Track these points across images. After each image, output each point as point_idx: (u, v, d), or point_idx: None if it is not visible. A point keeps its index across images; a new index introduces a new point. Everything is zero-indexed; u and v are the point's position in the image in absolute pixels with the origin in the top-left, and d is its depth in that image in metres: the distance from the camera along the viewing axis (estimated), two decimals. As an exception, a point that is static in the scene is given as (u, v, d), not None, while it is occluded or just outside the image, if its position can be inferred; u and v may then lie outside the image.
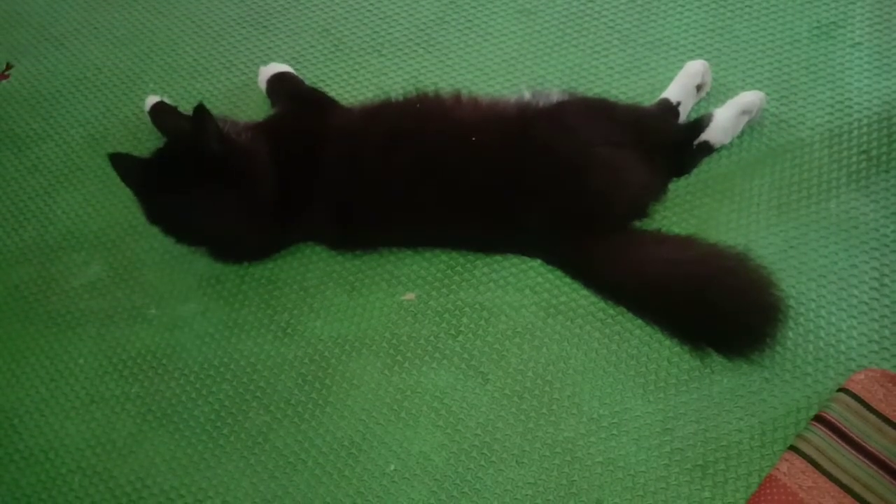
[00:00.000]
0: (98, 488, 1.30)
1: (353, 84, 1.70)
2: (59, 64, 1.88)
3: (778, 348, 1.23)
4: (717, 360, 1.23)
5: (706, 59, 1.52)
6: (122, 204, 1.61)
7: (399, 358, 1.34)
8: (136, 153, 1.60)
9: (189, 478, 1.28)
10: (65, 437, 1.36)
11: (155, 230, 1.50)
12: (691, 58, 1.54)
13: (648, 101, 1.52)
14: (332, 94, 1.66)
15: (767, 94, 1.49)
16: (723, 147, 1.44)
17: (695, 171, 1.44)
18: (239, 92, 1.74)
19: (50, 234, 1.61)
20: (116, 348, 1.44)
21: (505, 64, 1.67)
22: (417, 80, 1.66)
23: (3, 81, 1.87)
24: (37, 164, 1.72)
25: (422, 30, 1.77)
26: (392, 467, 1.23)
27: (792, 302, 1.27)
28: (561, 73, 1.62)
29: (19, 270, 1.57)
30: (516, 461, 1.22)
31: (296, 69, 1.71)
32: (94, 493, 1.29)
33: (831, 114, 1.48)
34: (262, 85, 1.68)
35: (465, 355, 1.32)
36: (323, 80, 1.71)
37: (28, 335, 1.49)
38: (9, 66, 1.90)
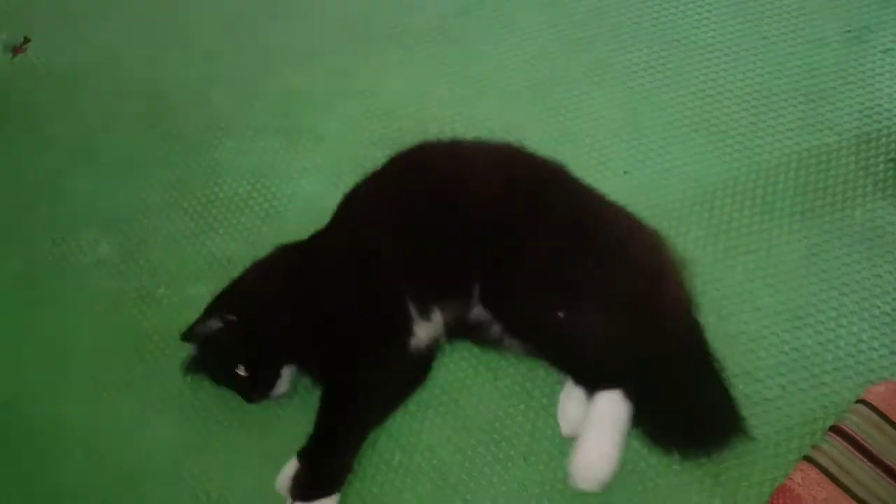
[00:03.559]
0: (99, 468, 1.29)
1: (372, 74, 1.68)
2: (76, 41, 1.87)
3: (796, 356, 1.21)
4: (732, 366, 1.20)
5: (731, 59, 1.48)
6: (134, 184, 1.60)
7: (408, 350, 1.32)
8: (150, 133, 1.60)
9: (191, 460, 1.27)
10: (68, 416, 1.35)
11: (164, 211, 1.50)
12: (714, 56, 1.51)
13: (671, 97, 1.50)
14: (348, 84, 1.64)
15: (794, 96, 1.46)
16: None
17: (716, 171, 1.41)
18: (252, 78, 1.72)
19: (61, 212, 1.60)
20: (123, 328, 1.43)
21: (528, 57, 1.64)
22: (438, 70, 1.64)
23: (20, 55, 1.86)
24: (51, 141, 1.71)
25: (443, 20, 1.75)
26: (397, 459, 1.21)
27: (812, 310, 1.25)
28: (584, 68, 1.60)
29: (30, 247, 1.56)
30: (524, 459, 1.20)
31: (311, 58, 1.69)
32: (95, 472, 1.29)
33: (860, 119, 1.44)
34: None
35: (476, 350, 1.29)
36: (339, 70, 1.69)
37: (35, 312, 1.48)
38: (26, 41, 1.89)
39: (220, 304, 1.28)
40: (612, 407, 1.12)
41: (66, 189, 1.63)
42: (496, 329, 1.24)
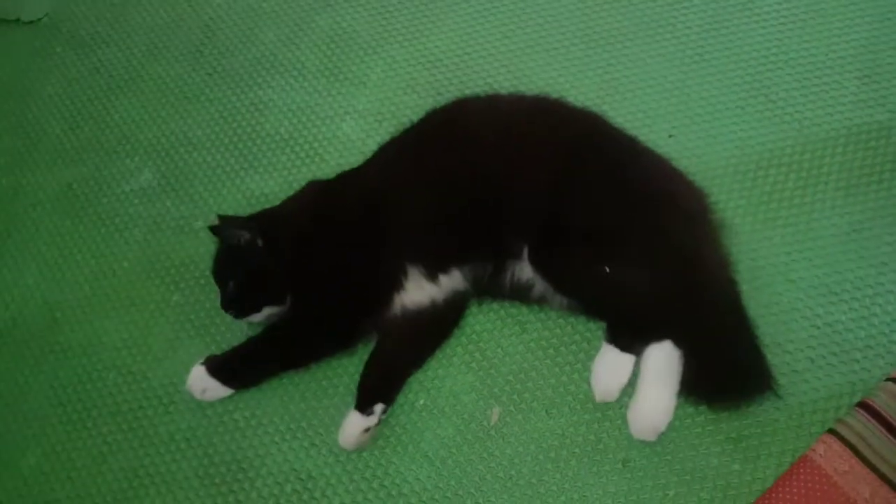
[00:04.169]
0: (131, 388, 1.33)
1: (420, 19, 1.67)
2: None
3: (828, 331, 1.20)
4: (762, 336, 1.19)
5: (790, 28, 1.44)
6: (178, 115, 1.62)
7: (439, 296, 1.33)
8: (196, 66, 1.60)
9: (221, 388, 1.30)
10: (104, 335, 1.39)
11: (205, 145, 1.51)
12: (774, 24, 1.48)
13: (725, 62, 1.47)
14: (395, 28, 1.63)
15: (850, 71, 1.43)
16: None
17: (763, 140, 1.39)
18: (301, 16, 1.71)
19: (105, 137, 1.62)
20: (160, 255, 1.45)
21: (582, 11, 1.61)
22: (489, 20, 1.61)
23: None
24: (98, 66, 1.73)
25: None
26: (422, 401, 1.24)
27: (848, 286, 1.24)
28: (639, 25, 1.56)
29: (73, 169, 1.59)
30: (546, 411, 1.21)
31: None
32: (126, 392, 1.33)
33: (916, 98, 1.41)
34: None
35: (506, 303, 1.30)
36: (388, 12, 1.68)
37: (77, 233, 1.51)
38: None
39: (253, 221, 1.30)
40: (665, 357, 1.14)
41: (111, 115, 1.65)
42: (539, 288, 1.23)
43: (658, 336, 1.15)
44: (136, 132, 1.61)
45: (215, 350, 1.32)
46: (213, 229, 1.28)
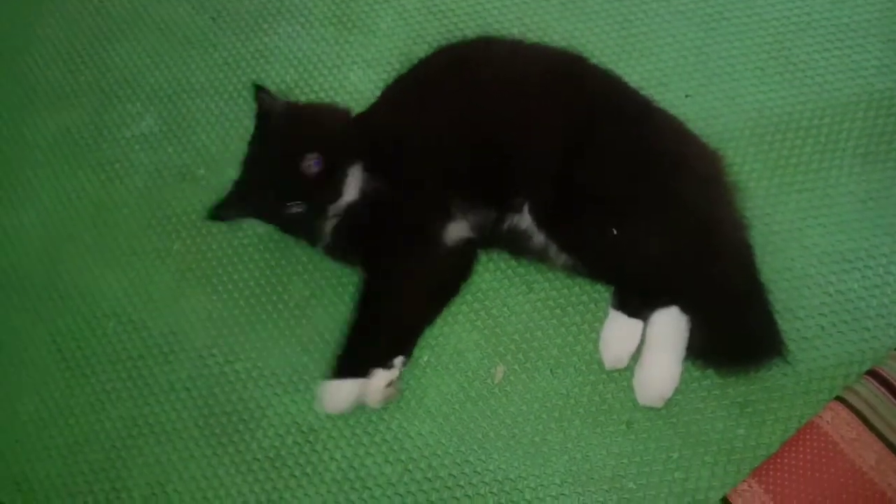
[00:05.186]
0: (131, 336, 1.31)
1: None
2: None
3: (840, 298, 1.19)
4: (773, 302, 1.17)
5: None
6: (182, 60, 1.57)
7: (445, 253, 1.31)
8: (201, 10, 1.55)
9: (222, 338, 1.28)
10: (103, 282, 1.37)
11: (209, 92, 1.46)
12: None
13: (748, 22, 1.43)
14: None
15: (875, 34, 1.39)
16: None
17: (782, 103, 1.35)
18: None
19: (106, 81, 1.58)
20: (162, 203, 1.42)
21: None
22: None
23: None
24: (98, 7, 1.67)
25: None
26: (426, 358, 1.22)
27: (862, 254, 1.22)
28: None
29: (72, 113, 1.55)
30: (550, 371, 1.20)
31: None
32: (126, 341, 1.31)
33: (938, 66, 1.37)
34: None
35: (512, 262, 1.28)
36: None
37: (76, 179, 1.48)
38: None
39: None
40: (671, 324, 1.11)
41: (112, 58, 1.60)
42: (537, 241, 1.21)
43: (665, 301, 1.12)
44: (137, 77, 1.57)
45: (216, 300, 1.30)
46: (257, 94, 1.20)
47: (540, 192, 1.17)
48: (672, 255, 1.12)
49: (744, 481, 1.06)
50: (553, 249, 1.20)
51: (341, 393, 1.16)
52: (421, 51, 1.45)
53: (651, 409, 1.14)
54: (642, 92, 1.26)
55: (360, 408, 1.19)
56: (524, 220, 1.19)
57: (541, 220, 1.18)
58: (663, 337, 1.12)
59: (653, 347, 1.13)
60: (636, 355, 1.15)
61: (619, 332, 1.16)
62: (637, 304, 1.15)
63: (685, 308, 1.11)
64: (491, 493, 1.13)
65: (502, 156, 1.18)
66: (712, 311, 1.12)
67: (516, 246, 1.24)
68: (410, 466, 1.16)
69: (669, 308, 1.12)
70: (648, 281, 1.14)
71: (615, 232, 1.13)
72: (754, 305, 1.13)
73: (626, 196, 1.14)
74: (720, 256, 1.13)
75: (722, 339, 1.12)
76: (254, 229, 1.36)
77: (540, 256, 1.23)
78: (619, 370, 1.17)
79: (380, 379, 1.17)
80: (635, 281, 1.16)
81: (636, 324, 1.15)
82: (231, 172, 1.41)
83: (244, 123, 1.48)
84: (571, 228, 1.17)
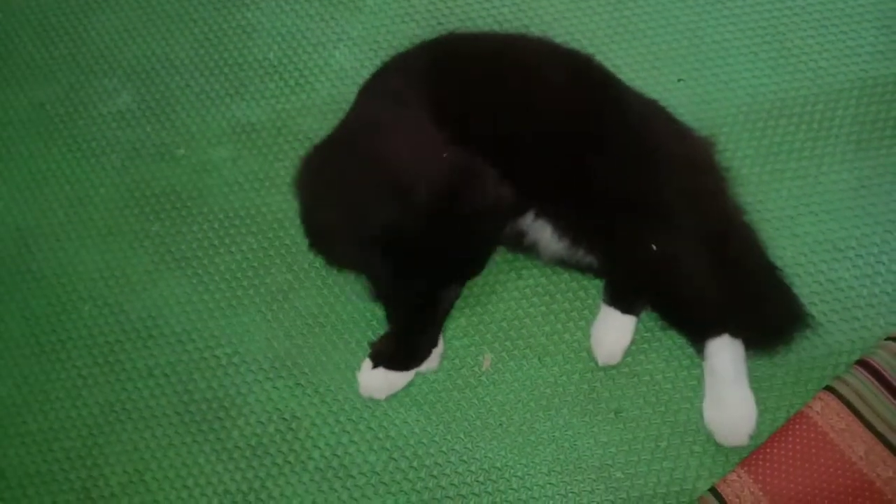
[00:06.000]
0: (108, 320, 1.27)
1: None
2: None
3: (830, 287, 1.18)
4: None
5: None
6: (160, 36, 1.52)
7: (432, 238, 1.28)
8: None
9: (202, 323, 1.25)
10: (79, 264, 1.32)
11: (188, 68, 1.41)
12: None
13: (742, 5, 1.40)
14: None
15: (870, 20, 1.37)
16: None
17: (775, 89, 1.34)
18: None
19: (81, 55, 1.52)
20: (140, 183, 1.38)
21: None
22: None
23: None
24: (74, -21, 1.61)
25: None
26: (412, 345, 1.20)
27: (854, 243, 1.21)
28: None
29: (46, 88, 1.49)
30: (539, 359, 1.18)
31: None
32: (103, 324, 1.27)
33: (935, 52, 1.36)
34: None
35: (501, 249, 1.26)
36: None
37: (50, 156, 1.43)
38: None
39: None
40: (731, 354, 1.07)
41: (88, 31, 1.54)
42: (530, 238, 1.18)
43: (715, 331, 1.07)
44: (114, 51, 1.51)
45: (196, 283, 1.27)
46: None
47: (556, 200, 1.12)
48: (708, 266, 1.08)
49: (732, 471, 1.05)
50: (543, 244, 1.17)
51: (399, 382, 1.16)
52: (408, 28, 1.42)
53: (639, 395, 1.13)
54: (634, 74, 1.24)
55: (343, 394, 1.17)
56: (524, 222, 1.16)
57: (563, 230, 1.14)
58: (729, 370, 1.07)
59: (721, 383, 1.07)
60: (632, 351, 1.13)
61: (611, 329, 1.14)
62: (631, 300, 1.13)
63: (734, 333, 1.08)
64: (477, 481, 1.11)
65: (513, 159, 1.12)
66: (737, 299, 1.09)
67: (506, 240, 1.21)
68: (395, 455, 1.14)
69: (722, 337, 1.07)
70: (703, 310, 1.09)
71: (654, 248, 1.08)
72: (774, 284, 1.12)
73: (655, 205, 1.10)
74: (735, 243, 1.12)
75: (750, 321, 1.09)
76: (236, 213, 1.32)
77: (529, 250, 1.20)
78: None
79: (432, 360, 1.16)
80: (685, 309, 1.11)
81: (629, 320, 1.13)
82: (211, 152, 1.39)
83: (226, 102, 1.44)
84: (603, 240, 1.12)
